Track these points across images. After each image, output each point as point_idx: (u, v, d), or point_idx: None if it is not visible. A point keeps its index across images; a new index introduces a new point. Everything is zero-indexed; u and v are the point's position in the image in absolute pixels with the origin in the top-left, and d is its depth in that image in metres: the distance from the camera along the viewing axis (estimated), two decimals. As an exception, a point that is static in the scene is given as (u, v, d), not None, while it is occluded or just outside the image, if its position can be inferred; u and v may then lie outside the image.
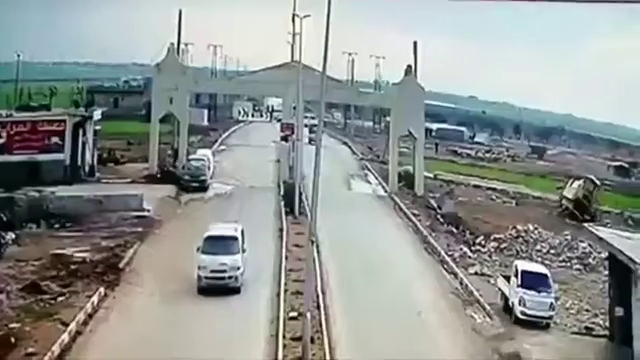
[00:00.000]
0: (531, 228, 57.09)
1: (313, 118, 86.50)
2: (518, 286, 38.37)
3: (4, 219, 48.33)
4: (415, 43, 76.38)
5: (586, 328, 39.09)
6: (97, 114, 69.17)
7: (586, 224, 45.65)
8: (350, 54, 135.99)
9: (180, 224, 52.70)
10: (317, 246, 41.79)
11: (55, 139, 62.47)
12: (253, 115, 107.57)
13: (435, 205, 64.36)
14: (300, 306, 34.56)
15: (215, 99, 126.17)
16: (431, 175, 78.62)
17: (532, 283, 38.42)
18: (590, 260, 52.43)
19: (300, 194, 57.73)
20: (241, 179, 69.87)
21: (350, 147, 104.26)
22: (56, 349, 29.59)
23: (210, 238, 39.78)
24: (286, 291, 38.36)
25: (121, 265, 41.02)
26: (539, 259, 51.20)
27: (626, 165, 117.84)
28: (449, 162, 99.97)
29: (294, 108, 66.80)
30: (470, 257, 50.17)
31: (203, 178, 65.07)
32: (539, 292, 38.11)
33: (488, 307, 39.48)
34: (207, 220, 53.75)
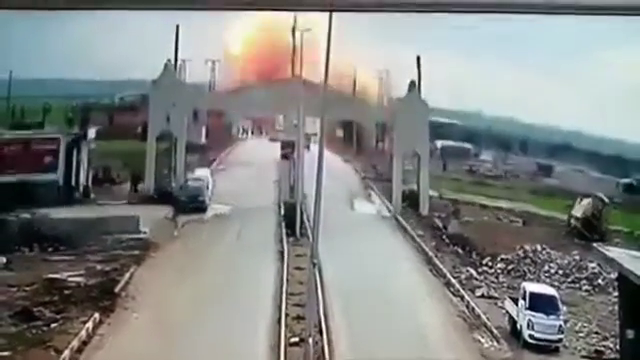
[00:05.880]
0: (539, 248, 57.01)
1: (315, 135, 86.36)
2: (526, 309, 38.34)
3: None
4: (418, 58, 76.42)
5: (596, 352, 39.01)
6: (92, 132, 68.93)
7: (595, 244, 45.56)
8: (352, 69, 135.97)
9: (178, 247, 52.59)
10: (319, 269, 41.75)
11: (48, 158, 62.15)
12: (253, 132, 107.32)
13: (440, 225, 64.27)
14: (302, 331, 34.42)
15: (214, 116, 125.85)
16: (436, 194, 78.51)
17: (540, 305, 38.41)
18: (600, 281, 52.26)
19: (301, 214, 57.63)
20: (241, 199, 69.71)
21: (352, 165, 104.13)
22: (49, 378, 29.46)
23: None
24: (287, 315, 38.21)
25: (117, 290, 40.90)
26: (547, 280, 51.11)
27: (635, 183, 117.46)
28: (454, 180, 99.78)
29: (295, 126, 66.81)
30: (477, 279, 50.05)
31: (202, 199, 64.69)
32: (548, 315, 38.08)
33: (495, 331, 39.39)
34: (205, 242, 53.97)
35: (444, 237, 60.57)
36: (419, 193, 70.95)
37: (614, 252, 39.29)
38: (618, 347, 38.37)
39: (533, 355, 37.03)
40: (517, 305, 39.58)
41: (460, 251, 56.75)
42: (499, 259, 54.83)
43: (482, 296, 46.30)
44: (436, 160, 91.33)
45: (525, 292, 39.23)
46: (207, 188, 66.89)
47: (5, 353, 31.70)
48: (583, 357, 38.24)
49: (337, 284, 44.77)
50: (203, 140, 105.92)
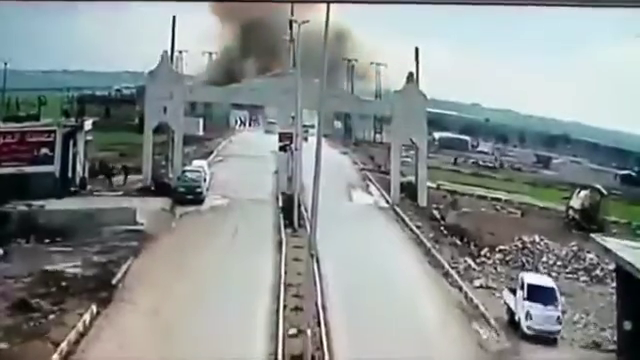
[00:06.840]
0: (537, 239, 57.10)
1: (312, 127, 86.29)
2: (524, 299, 38.44)
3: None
4: (417, 50, 76.34)
5: (594, 343, 39.08)
6: (88, 124, 68.76)
7: (593, 235, 45.66)
8: (350, 61, 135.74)
9: (175, 238, 52.62)
10: (317, 260, 41.81)
11: (44, 150, 62.01)
12: (250, 124, 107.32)
13: (439, 216, 64.35)
14: (300, 322, 34.50)
15: (211, 108, 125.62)
16: (434, 185, 78.50)
17: (539, 296, 38.53)
18: (597, 272, 52.42)
19: (299, 206, 57.70)
20: (238, 191, 69.72)
21: (350, 157, 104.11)
22: (47, 369, 29.51)
23: None
24: (285, 307, 38.28)
25: (114, 281, 40.94)
26: (545, 271, 51.23)
27: (634, 174, 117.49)
28: (453, 172, 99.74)
29: (292, 118, 66.81)
30: (475, 270, 50.18)
31: (199, 190, 64.73)
32: (546, 305, 38.18)
33: (494, 321, 39.49)
34: (203, 234, 54.02)
35: (442, 228, 60.69)
36: (417, 184, 71.00)
37: (612, 243, 39.36)
38: (616, 338, 38.48)
39: (531, 346, 37.14)
40: (515, 296, 39.68)
41: (458, 242, 56.89)
42: (497, 250, 54.95)
43: (480, 287, 46.42)
44: (434, 151, 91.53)
45: (523, 283, 39.34)
46: (204, 180, 66.88)
47: (2, 345, 31.77)
48: (581, 348, 38.32)
49: (335, 275, 44.87)
50: (200, 132, 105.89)
